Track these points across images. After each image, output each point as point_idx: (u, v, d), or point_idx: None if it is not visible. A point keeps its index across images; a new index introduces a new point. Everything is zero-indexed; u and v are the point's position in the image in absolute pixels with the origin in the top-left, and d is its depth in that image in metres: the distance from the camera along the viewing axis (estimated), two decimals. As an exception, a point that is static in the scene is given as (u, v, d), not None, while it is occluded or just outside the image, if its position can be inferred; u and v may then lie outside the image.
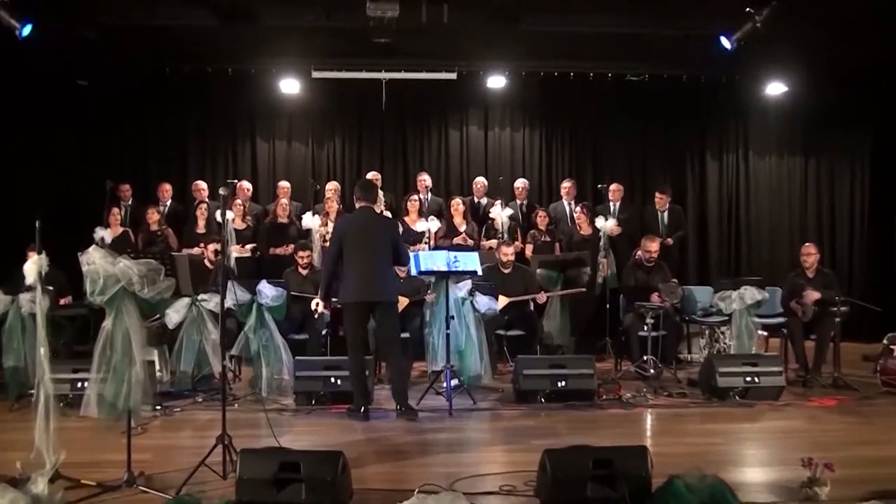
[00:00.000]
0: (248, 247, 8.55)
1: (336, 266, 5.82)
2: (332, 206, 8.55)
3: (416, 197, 8.74)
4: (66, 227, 8.20)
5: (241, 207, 8.70)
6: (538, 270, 8.11)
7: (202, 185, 9.07)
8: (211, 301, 6.36)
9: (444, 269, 6.20)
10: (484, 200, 9.29)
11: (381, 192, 8.27)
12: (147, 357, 6.10)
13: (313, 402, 6.04)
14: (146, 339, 6.27)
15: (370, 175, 9.00)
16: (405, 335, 7.14)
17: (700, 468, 3.62)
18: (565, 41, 8.82)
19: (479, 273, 6.59)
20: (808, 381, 6.90)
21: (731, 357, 6.73)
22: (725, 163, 10.64)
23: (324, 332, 7.08)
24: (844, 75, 9.66)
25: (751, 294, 6.90)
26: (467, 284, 6.73)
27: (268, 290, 6.42)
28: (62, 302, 7.03)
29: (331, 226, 7.88)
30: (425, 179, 9.16)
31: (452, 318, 6.30)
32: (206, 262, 7.30)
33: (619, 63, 9.65)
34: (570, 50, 9.21)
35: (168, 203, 9.13)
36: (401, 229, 7.83)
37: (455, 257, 6.26)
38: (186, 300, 6.34)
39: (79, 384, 5.52)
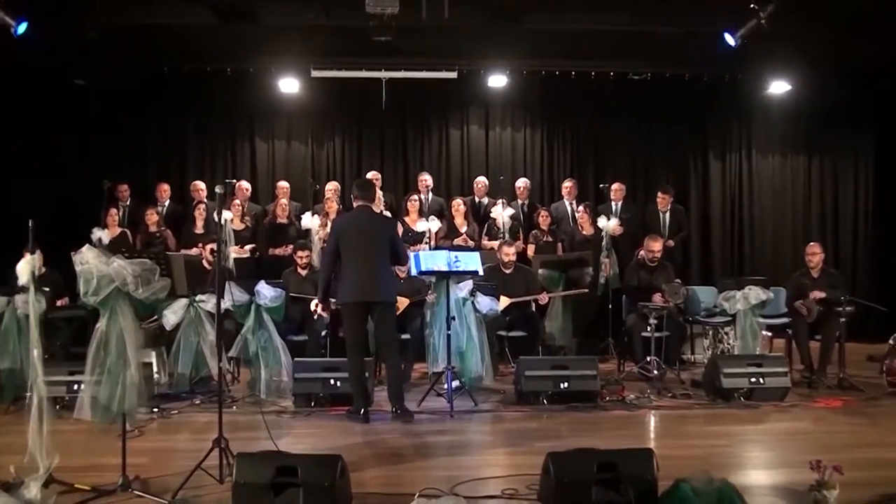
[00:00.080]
0: (247, 247, 8.48)
1: (334, 266, 5.76)
2: (332, 206, 8.48)
3: (416, 197, 8.68)
4: (65, 228, 8.16)
5: (240, 208, 8.63)
6: (540, 271, 8.04)
7: (200, 185, 9.01)
8: (209, 302, 6.29)
9: (445, 269, 6.13)
10: (485, 200, 9.22)
11: (380, 192, 8.22)
12: (144, 359, 6.07)
13: (312, 404, 5.98)
14: (143, 340, 6.28)
15: (370, 175, 8.95)
16: (405, 336, 7.10)
17: (707, 471, 3.55)
18: (567, 39, 8.75)
19: (481, 273, 6.52)
20: (813, 382, 6.84)
21: (736, 358, 6.67)
22: (728, 162, 10.57)
23: (323, 333, 7.00)
24: (848, 74, 9.62)
25: (755, 294, 6.83)
26: (468, 285, 6.66)
27: (266, 291, 6.35)
28: (59, 303, 6.96)
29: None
30: (426, 179, 9.10)
31: (453, 318, 6.24)
32: (205, 263, 7.23)
33: (621, 62, 9.59)
34: (571, 48, 9.14)
35: (166, 203, 9.07)
36: (401, 229, 7.79)
37: (456, 257, 6.19)
38: (184, 301, 6.27)
39: (75, 386, 5.46)
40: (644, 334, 7.02)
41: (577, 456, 3.61)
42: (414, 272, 6.44)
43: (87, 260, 3.66)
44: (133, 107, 9.69)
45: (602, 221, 8.56)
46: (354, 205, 5.91)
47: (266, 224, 8.82)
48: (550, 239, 8.71)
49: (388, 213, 8.32)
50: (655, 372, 6.78)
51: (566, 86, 9.86)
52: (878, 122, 10.38)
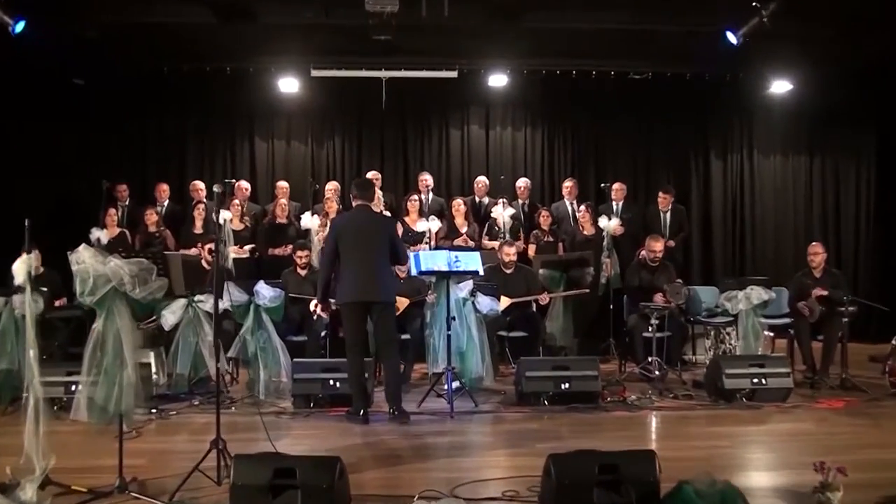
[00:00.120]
0: (247, 248, 8.44)
1: (333, 266, 5.72)
2: (332, 206, 8.45)
3: (416, 197, 8.64)
4: (64, 228, 8.12)
5: (239, 208, 8.60)
6: (541, 271, 8.00)
7: (200, 185, 8.98)
8: (207, 302, 6.24)
9: (445, 269, 6.10)
10: (486, 200, 9.19)
11: (379, 192, 8.19)
12: (142, 359, 6.06)
13: (311, 404, 5.94)
14: (141, 340, 6.27)
15: (370, 174, 8.91)
16: (405, 336, 7.07)
17: (710, 473, 3.51)
18: (567, 38, 8.72)
19: (481, 273, 6.48)
20: (815, 383, 6.80)
21: (738, 358, 6.62)
22: (730, 161, 10.53)
23: (323, 333, 6.96)
24: (850, 73, 9.59)
25: (757, 294, 6.80)
26: (468, 285, 6.62)
27: (265, 291, 6.31)
28: (57, 303, 6.92)
29: (331, 226, 7.77)
30: (427, 179, 9.07)
31: (453, 319, 6.21)
32: (203, 263, 7.19)
33: (622, 61, 9.56)
34: (571, 47, 9.11)
35: (165, 203, 9.03)
36: (401, 229, 7.76)
37: (456, 257, 6.16)
38: (182, 301, 6.23)
39: (72, 387, 5.40)
40: (645, 335, 6.98)
41: (578, 457, 3.57)
42: (414, 272, 6.40)
43: (83, 259, 3.63)
44: (132, 107, 9.66)
45: (603, 221, 8.53)
46: (353, 204, 5.88)
47: (265, 224, 8.78)
48: (551, 239, 8.67)
49: (387, 213, 8.28)
50: (657, 372, 6.75)
51: (567, 85, 9.84)
52: (880, 122, 10.34)
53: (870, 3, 7.46)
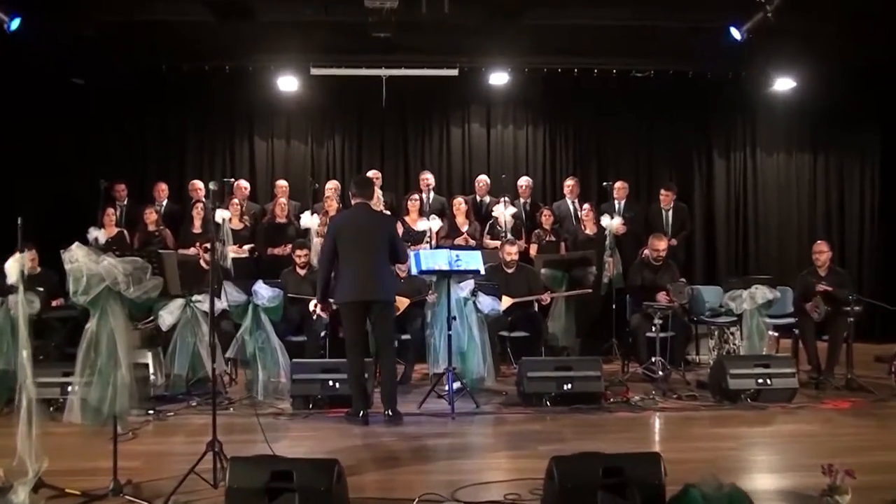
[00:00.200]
0: (246, 247, 8.38)
1: (332, 265, 5.65)
2: (332, 204, 8.40)
3: (416, 196, 8.58)
4: (62, 228, 8.05)
5: (239, 207, 8.54)
6: (543, 270, 7.93)
7: (199, 184, 8.92)
8: (205, 302, 6.18)
9: (446, 268, 6.03)
10: (487, 199, 9.12)
11: (379, 191, 8.13)
12: (140, 360, 6.00)
13: (311, 405, 5.88)
14: (138, 340, 6.20)
15: (370, 173, 8.83)
16: (406, 336, 7.01)
17: (716, 476, 3.44)
18: (568, 35, 8.66)
19: (482, 272, 6.41)
20: (820, 383, 6.72)
21: (743, 358, 6.55)
22: (733, 160, 10.45)
23: (322, 333, 6.91)
24: (854, 71, 9.51)
25: (762, 293, 6.72)
26: (470, 284, 6.55)
27: (264, 291, 6.24)
28: (54, 303, 6.85)
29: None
30: (428, 178, 9.01)
31: (454, 318, 6.15)
32: (202, 263, 7.12)
33: (624, 59, 9.48)
34: (573, 45, 9.04)
35: (164, 203, 8.98)
36: (401, 229, 7.69)
37: (457, 256, 6.09)
38: (180, 301, 6.17)
39: (69, 388, 5.31)
40: (649, 334, 6.92)
41: (582, 460, 3.50)
42: (414, 271, 6.34)
43: (76, 258, 3.56)
44: (131, 106, 9.61)
45: (605, 220, 8.47)
46: (352, 202, 5.81)
47: (265, 224, 8.72)
48: (553, 238, 8.61)
49: (387, 213, 8.21)
50: (660, 373, 6.67)
51: (568, 83, 9.76)
52: (884, 120, 10.25)
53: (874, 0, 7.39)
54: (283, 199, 8.71)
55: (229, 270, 7.92)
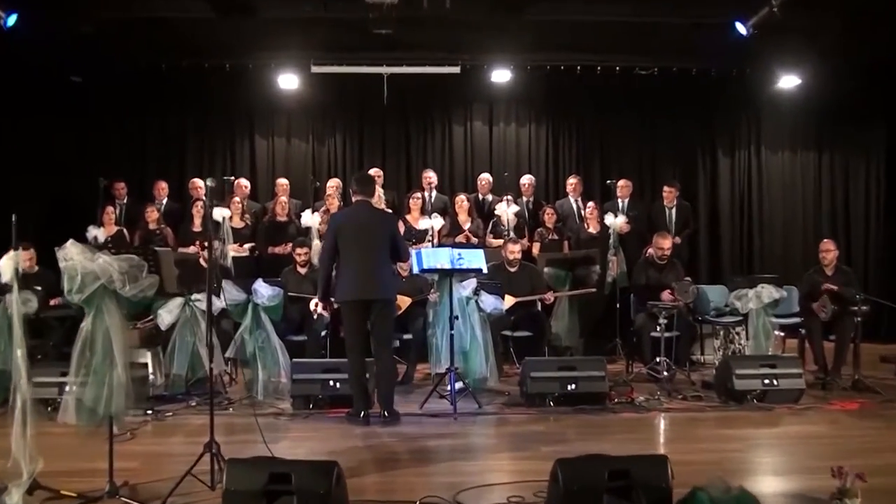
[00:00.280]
0: (246, 246, 8.32)
1: (333, 263, 5.59)
2: (334, 203, 8.34)
3: (418, 194, 8.51)
4: (61, 227, 7.97)
5: (240, 206, 8.48)
6: (546, 269, 7.86)
7: (199, 182, 8.84)
8: (205, 301, 6.11)
9: (448, 266, 5.98)
10: (489, 197, 9.06)
11: (380, 190, 8.08)
12: (139, 359, 5.93)
13: (311, 406, 5.81)
14: (135, 340, 6.13)
15: (371, 171, 8.76)
16: (408, 336, 6.94)
17: (724, 478, 3.38)
18: (571, 32, 8.58)
19: (485, 271, 6.35)
20: (827, 384, 6.65)
21: (749, 358, 6.47)
22: (737, 158, 10.37)
23: (323, 333, 6.84)
24: (859, 68, 9.42)
25: (768, 293, 6.64)
26: (472, 283, 6.49)
27: (264, 290, 6.17)
28: (52, 302, 6.78)
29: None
30: (430, 177, 8.96)
31: (457, 318, 6.09)
32: (202, 261, 7.06)
33: (627, 56, 9.41)
34: (576, 42, 8.98)
35: (164, 201, 8.92)
36: (402, 227, 7.63)
37: (459, 255, 6.03)
38: (179, 300, 6.11)
39: (66, 388, 5.27)
40: (653, 334, 6.84)
41: (587, 462, 3.42)
42: (416, 270, 6.28)
43: (71, 256, 3.50)
44: (131, 104, 9.55)
45: (609, 219, 8.40)
46: (353, 200, 5.74)
47: (265, 222, 8.66)
48: (556, 237, 8.54)
49: (388, 211, 8.15)
50: (665, 373, 6.61)
51: (571, 81, 9.70)
52: (890, 118, 10.18)
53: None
54: (283, 198, 8.65)
55: (229, 269, 7.86)
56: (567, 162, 10.26)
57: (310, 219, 8.21)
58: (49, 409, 5.13)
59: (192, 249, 7.76)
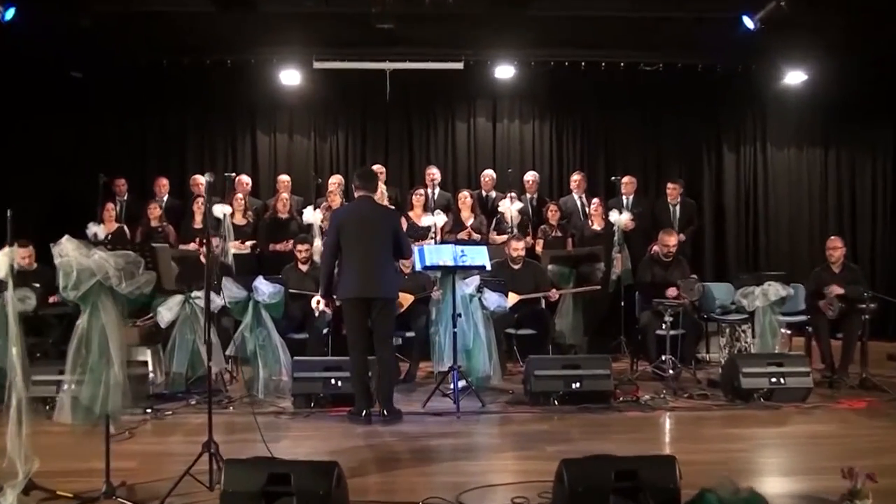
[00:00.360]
0: (248, 243, 8.26)
1: (335, 259, 5.53)
2: (336, 199, 8.27)
3: (421, 191, 8.45)
4: (61, 224, 7.92)
5: (242, 202, 8.41)
6: (549, 266, 7.80)
7: (200, 179, 8.76)
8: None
9: (451, 263, 5.91)
10: (493, 194, 8.99)
11: (382, 186, 8.00)
12: (137, 357, 5.88)
13: (312, 404, 5.75)
14: (134, 337, 6.08)
15: (374, 168, 8.69)
16: (410, 334, 6.87)
17: (732, 479, 3.31)
18: (575, 27, 8.50)
19: (488, 268, 6.29)
20: (834, 382, 6.58)
21: (756, 357, 6.37)
22: (743, 154, 10.28)
23: (325, 331, 6.77)
24: (865, 64, 9.32)
25: (775, 290, 6.55)
26: (475, 281, 6.43)
27: (264, 287, 6.10)
28: (51, 300, 6.73)
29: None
30: (434, 173, 8.89)
31: (460, 315, 6.02)
32: (202, 258, 6.99)
33: (632, 52, 9.33)
34: (580, 38, 8.90)
35: (165, 198, 8.86)
36: (405, 224, 7.56)
37: (462, 251, 5.96)
38: (179, 297, 6.05)
39: (64, 386, 5.21)
40: (659, 332, 6.77)
41: (593, 463, 3.36)
42: (419, 267, 6.21)
43: (66, 252, 3.43)
44: (132, 100, 9.50)
45: (614, 216, 8.32)
46: (356, 195, 5.67)
47: (267, 219, 8.60)
48: (559, 234, 8.48)
49: (391, 207, 8.08)
50: (670, 371, 6.53)
51: (575, 77, 9.61)
52: (896, 115, 10.10)
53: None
54: (284, 195, 8.58)
55: (230, 266, 7.79)
56: (571, 158, 10.18)
57: (311, 215, 8.15)
58: (47, 407, 5.11)
59: (192, 246, 7.71)
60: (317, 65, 9.04)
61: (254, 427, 4.67)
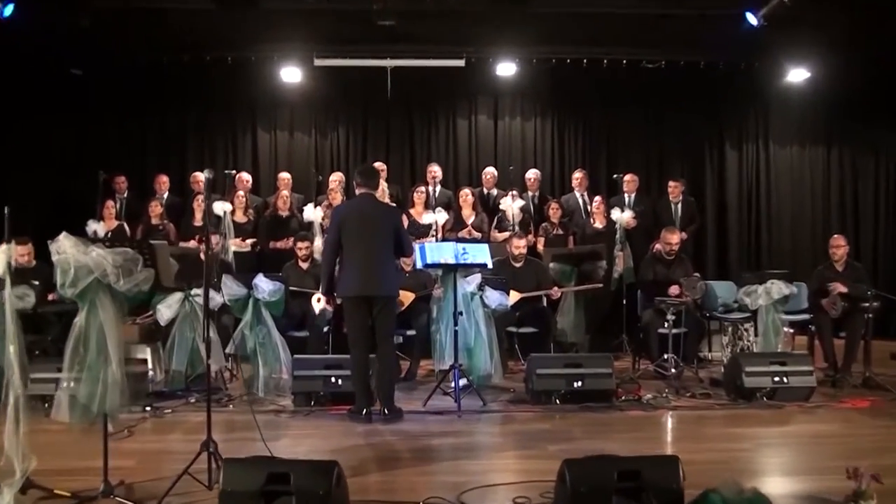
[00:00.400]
0: (248, 241, 8.23)
1: (336, 256, 5.49)
2: (337, 197, 8.24)
3: (422, 188, 8.41)
4: (61, 221, 7.88)
5: (243, 199, 8.38)
6: (551, 265, 7.76)
7: (200, 176, 8.71)
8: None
9: (452, 261, 5.88)
10: (494, 192, 8.96)
11: (384, 184, 7.97)
12: (137, 355, 5.85)
13: (312, 403, 5.73)
14: (134, 335, 6.05)
15: (375, 165, 8.66)
16: (411, 332, 6.84)
17: (736, 480, 3.28)
18: (577, 25, 8.47)
19: (490, 266, 6.26)
20: (837, 381, 6.55)
21: (759, 356, 6.34)
22: (745, 152, 10.25)
23: (325, 329, 6.74)
24: (869, 63, 9.27)
25: (778, 288, 6.51)
26: (477, 279, 6.40)
27: (264, 285, 6.07)
28: (51, 297, 6.69)
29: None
30: (435, 171, 8.85)
31: (461, 314, 5.99)
32: (202, 256, 6.96)
33: (634, 49, 9.29)
34: (582, 35, 8.87)
35: (165, 196, 8.82)
36: (406, 221, 7.53)
37: (463, 249, 5.94)
38: (179, 295, 6.02)
39: (63, 384, 5.19)
40: (661, 331, 6.74)
41: (595, 463, 3.32)
42: (420, 265, 6.17)
43: (63, 249, 3.40)
44: (132, 98, 9.46)
45: (616, 214, 8.30)
46: (357, 192, 5.63)
47: (267, 217, 8.57)
48: (561, 232, 8.45)
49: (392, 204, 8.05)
50: (673, 370, 6.51)
51: (577, 74, 9.57)
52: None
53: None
54: (285, 192, 8.55)
55: (230, 264, 7.76)
56: (573, 156, 10.15)
57: (312, 213, 8.12)
58: (46, 405, 5.06)
59: (192, 244, 7.68)
60: (318, 62, 9.01)
61: (253, 426, 4.64)
